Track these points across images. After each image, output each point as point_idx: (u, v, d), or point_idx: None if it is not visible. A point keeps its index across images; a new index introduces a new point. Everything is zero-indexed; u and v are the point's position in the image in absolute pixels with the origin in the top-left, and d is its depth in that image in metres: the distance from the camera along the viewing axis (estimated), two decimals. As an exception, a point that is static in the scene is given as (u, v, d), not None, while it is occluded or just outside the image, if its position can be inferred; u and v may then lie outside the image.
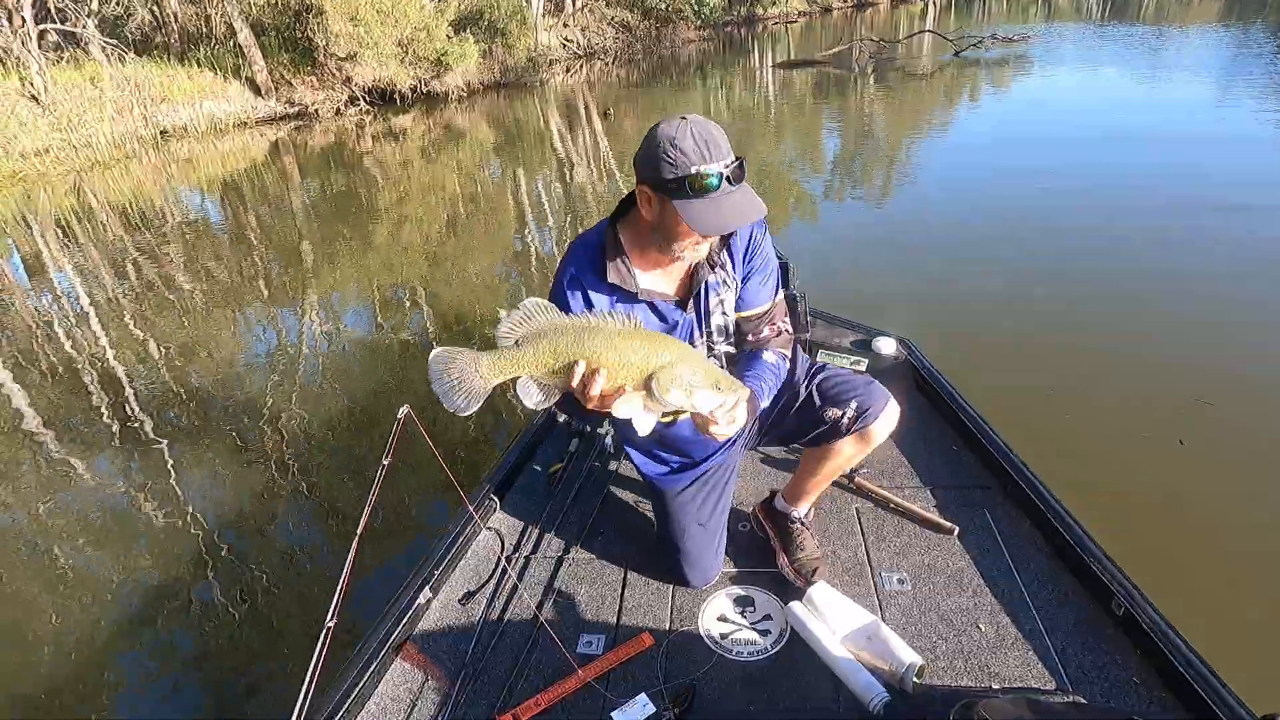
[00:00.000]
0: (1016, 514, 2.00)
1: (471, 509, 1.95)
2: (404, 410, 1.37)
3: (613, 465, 2.31)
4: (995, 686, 1.55)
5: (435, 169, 10.84)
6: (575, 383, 1.13)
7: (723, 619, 1.73)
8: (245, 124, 13.43)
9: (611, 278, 1.39)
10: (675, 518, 1.75)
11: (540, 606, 1.78)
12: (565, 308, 1.36)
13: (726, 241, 1.51)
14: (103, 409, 4.20)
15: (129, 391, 4.39)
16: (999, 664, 1.60)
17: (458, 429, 3.54)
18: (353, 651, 1.57)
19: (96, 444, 3.85)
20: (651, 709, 1.47)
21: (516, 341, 1.13)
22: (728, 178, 1.23)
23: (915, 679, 1.53)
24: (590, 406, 1.15)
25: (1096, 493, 2.62)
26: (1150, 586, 1.65)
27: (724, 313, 1.57)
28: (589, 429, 2.38)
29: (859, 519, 2.03)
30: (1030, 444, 2.19)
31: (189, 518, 3.18)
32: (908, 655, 1.55)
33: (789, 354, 1.67)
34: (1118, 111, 10.39)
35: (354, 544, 1.37)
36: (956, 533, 1.95)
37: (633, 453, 1.81)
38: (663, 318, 1.49)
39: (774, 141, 11.18)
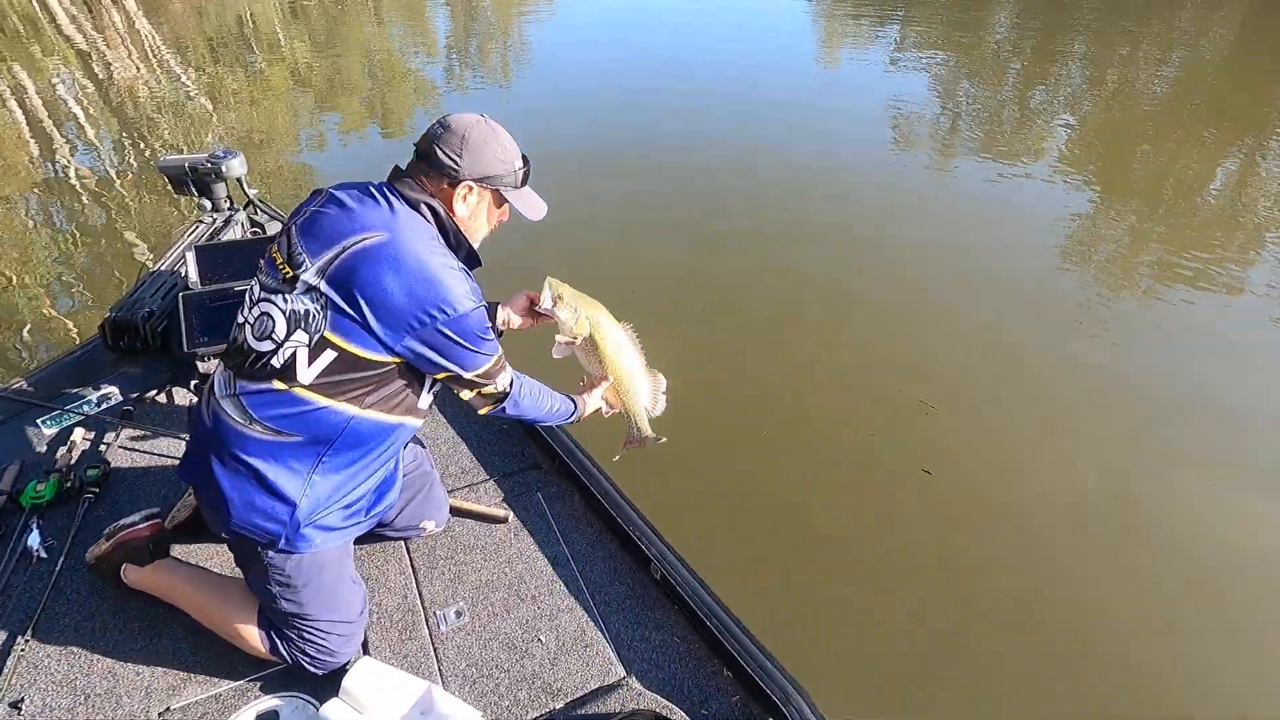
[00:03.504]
0: (567, 490, 1.96)
1: None
2: None
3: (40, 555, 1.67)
4: (558, 706, 1.49)
5: None
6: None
7: (237, 762, 1.36)
8: None
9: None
10: (332, 586, 1.43)
11: None
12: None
13: None
14: None
15: None
16: (561, 675, 1.54)
17: None
18: None
19: None
20: None
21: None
22: None
23: (477, 740, 1.38)
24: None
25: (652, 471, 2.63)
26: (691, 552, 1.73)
27: None
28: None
29: (408, 551, 1.78)
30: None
31: None
32: (466, 717, 1.39)
33: None
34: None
35: None
36: (510, 519, 1.86)
37: (321, 531, 1.36)
38: None
39: (377, 22, 9.69)
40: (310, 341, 1.21)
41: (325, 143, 6.29)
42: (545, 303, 1.54)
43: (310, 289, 1.20)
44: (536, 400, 1.51)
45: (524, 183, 1.39)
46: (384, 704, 1.40)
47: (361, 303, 1.18)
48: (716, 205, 4.81)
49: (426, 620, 1.63)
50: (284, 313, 1.22)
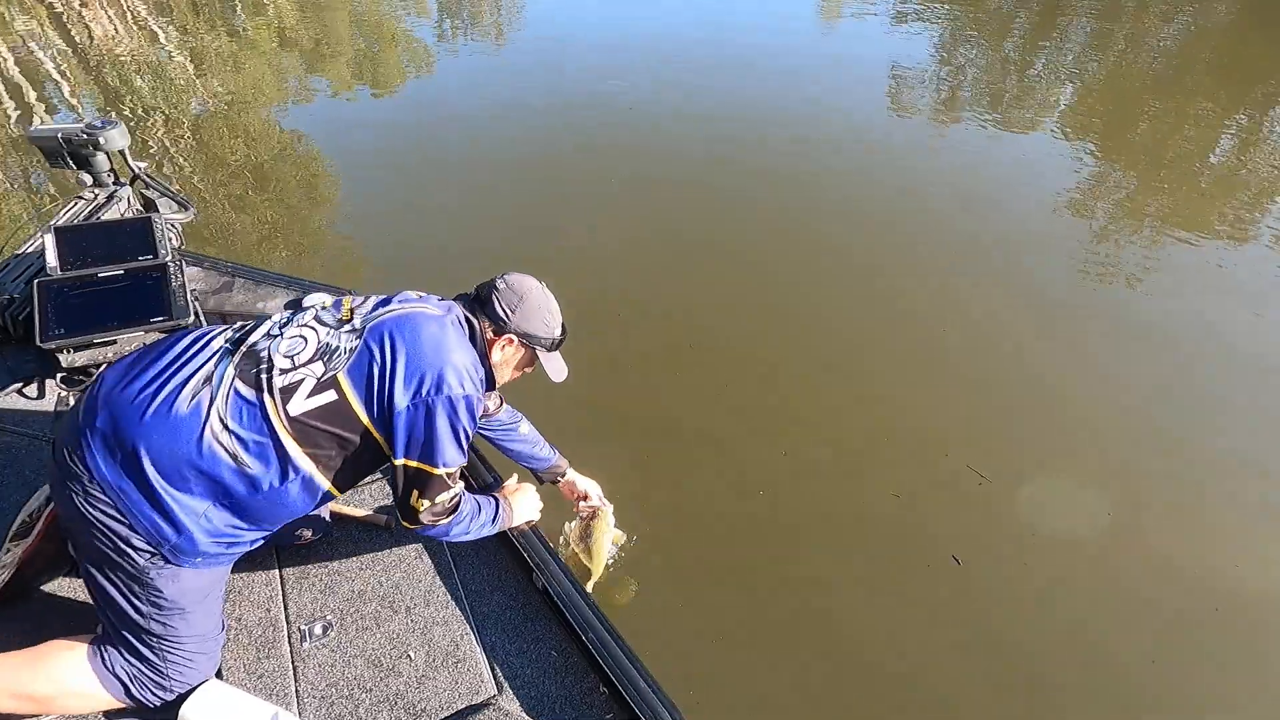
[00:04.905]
0: None
1: None
2: None
3: None
4: (423, 729, 1.41)
5: None
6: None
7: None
8: None
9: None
10: (209, 606, 1.37)
11: None
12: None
13: None
14: None
15: None
16: (427, 694, 1.46)
17: None
18: None
19: None
20: None
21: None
22: None
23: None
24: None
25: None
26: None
27: None
28: None
29: (278, 559, 1.68)
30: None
31: None
32: (312, 746, 1.31)
33: None
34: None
35: None
36: (393, 525, 1.77)
37: (213, 550, 1.31)
38: None
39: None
40: (321, 375, 1.29)
41: (313, 103, 5.94)
42: (585, 515, 1.96)
43: (354, 330, 1.35)
44: (476, 518, 1.54)
45: (556, 348, 1.58)
46: (225, 733, 1.32)
47: (389, 350, 1.31)
48: (714, 214, 4.38)
49: (289, 636, 1.54)
50: (319, 343, 1.33)
